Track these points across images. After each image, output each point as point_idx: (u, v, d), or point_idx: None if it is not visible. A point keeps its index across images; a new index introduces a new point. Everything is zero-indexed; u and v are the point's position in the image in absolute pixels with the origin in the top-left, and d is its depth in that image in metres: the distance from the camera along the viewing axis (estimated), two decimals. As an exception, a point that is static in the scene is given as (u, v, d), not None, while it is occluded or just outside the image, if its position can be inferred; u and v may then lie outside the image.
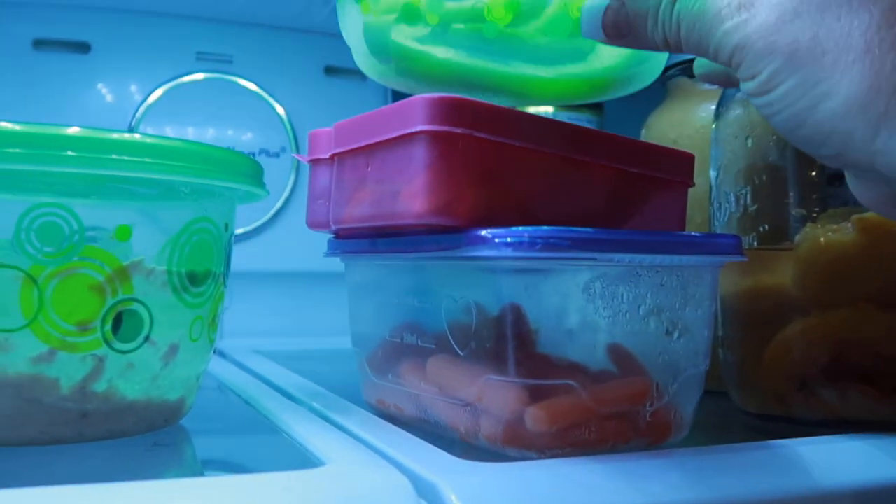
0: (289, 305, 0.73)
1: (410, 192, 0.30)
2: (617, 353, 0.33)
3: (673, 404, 0.33)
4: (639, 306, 0.32)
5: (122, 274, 0.31)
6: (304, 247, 0.71)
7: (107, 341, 0.31)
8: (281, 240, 0.71)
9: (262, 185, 0.37)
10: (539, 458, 0.30)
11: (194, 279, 0.33)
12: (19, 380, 0.30)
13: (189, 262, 0.33)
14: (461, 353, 0.32)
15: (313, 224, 0.38)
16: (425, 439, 0.32)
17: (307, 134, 0.39)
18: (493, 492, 0.27)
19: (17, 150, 0.28)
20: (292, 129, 0.72)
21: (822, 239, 0.36)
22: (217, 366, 0.55)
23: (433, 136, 0.30)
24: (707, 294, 0.34)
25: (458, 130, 0.30)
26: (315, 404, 0.39)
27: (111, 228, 0.31)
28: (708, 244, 0.33)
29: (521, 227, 0.29)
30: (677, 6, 0.28)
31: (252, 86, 0.72)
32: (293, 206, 0.71)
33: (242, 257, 0.70)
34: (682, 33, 0.29)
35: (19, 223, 0.29)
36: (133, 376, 0.32)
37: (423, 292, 0.35)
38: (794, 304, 0.38)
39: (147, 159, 0.30)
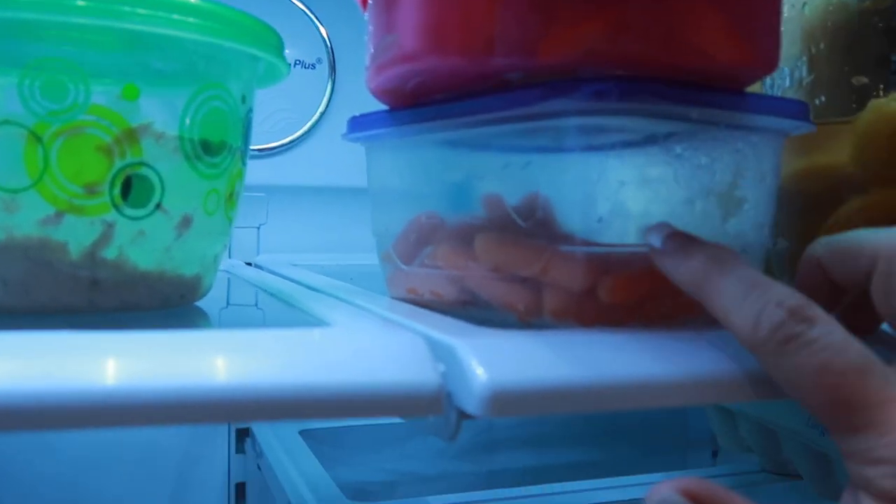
0: (327, 221, 0.72)
1: (402, 32, 0.28)
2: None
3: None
4: (714, 172, 0.29)
5: (131, 136, 0.30)
6: (343, 161, 0.70)
7: (116, 206, 0.30)
8: (318, 154, 0.70)
9: (281, 57, 0.35)
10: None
11: (208, 148, 0.32)
12: (27, 242, 0.29)
13: (202, 130, 0.32)
14: (524, 225, 0.30)
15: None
16: (470, 323, 0.29)
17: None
18: (513, 355, 0.25)
19: None
20: (330, 43, 0.70)
21: (883, 108, 0.33)
22: (250, 273, 0.54)
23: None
24: (773, 166, 0.31)
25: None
26: (343, 295, 0.38)
27: (118, 88, 0.29)
28: (779, 107, 0.30)
29: (592, 78, 0.26)
30: None
31: (288, -3, 0.70)
32: (330, 118, 0.70)
33: (279, 171, 0.69)
34: None
35: (22, 79, 0.28)
36: (144, 245, 0.31)
37: (470, 163, 0.33)
38: (852, 183, 0.35)
39: (158, 13, 0.29)
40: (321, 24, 0.71)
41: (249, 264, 0.65)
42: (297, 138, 0.69)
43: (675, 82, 0.27)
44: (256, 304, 0.41)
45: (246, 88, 0.34)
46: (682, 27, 0.26)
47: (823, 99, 0.35)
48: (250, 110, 0.35)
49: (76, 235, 0.29)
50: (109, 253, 0.30)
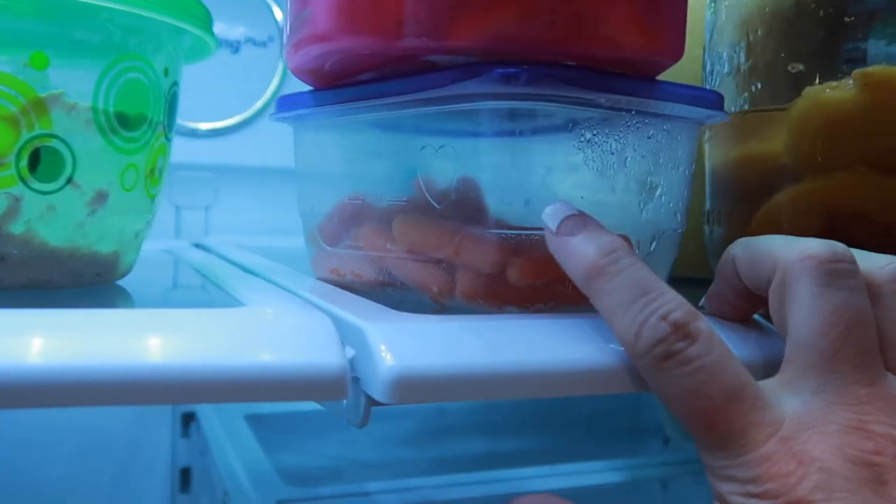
0: (280, 203, 0.71)
1: (315, 9, 0.27)
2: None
3: (652, 264, 0.30)
4: (625, 158, 0.29)
5: (39, 106, 0.28)
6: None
7: (23, 179, 0.29)
8: (270, 134, 0.69)
9: (208, 31, 0.34)
10: (520, 312, 0.28)
11: (125, 122, 0.31)
12: (-74, 215, 0.28)
13: (118, 103, 0.30)
14: (437, 207, 0.29)
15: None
16: (387, 304, 0.29)
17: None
18: (423, 340, 0.24)
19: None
20: (282, 21, 0.69)
21: (817, 97, 0.33)
22: (190, 254, 0.53)
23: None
24: (687, 154, 0.31)
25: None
26: (269, 275, 0.37)
27: (25, 55, 0.28)
28: (690, 96, 0.30)
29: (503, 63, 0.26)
30: None
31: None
32: (281, 98, 0.68)
33: (229, 151, 0.68)
34: None
35: (-78, 44, 0.27)
36: (55, 220, 0.30)
37: (391, 145, 0.32)
38: (786, 172, 0.34)
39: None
40: (272, 1, 0.69)
41: (197, 246, 0.64)
42: (249, 118, 0.68)
43: (585, 69, 0.27)
44: (201, 286, 0.40)
45: (169, 62, 0.33)
46: (589, 15, 0.26)
47: (760, 86, 0.35)
48: (175, 84, 0.34)
49: (-20, 209, 0.28)
50: (16, 228, 0.29)
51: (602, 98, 0.27)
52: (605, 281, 0.24)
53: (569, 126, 0.27)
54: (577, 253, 0.25)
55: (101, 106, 0.30)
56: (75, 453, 0.65)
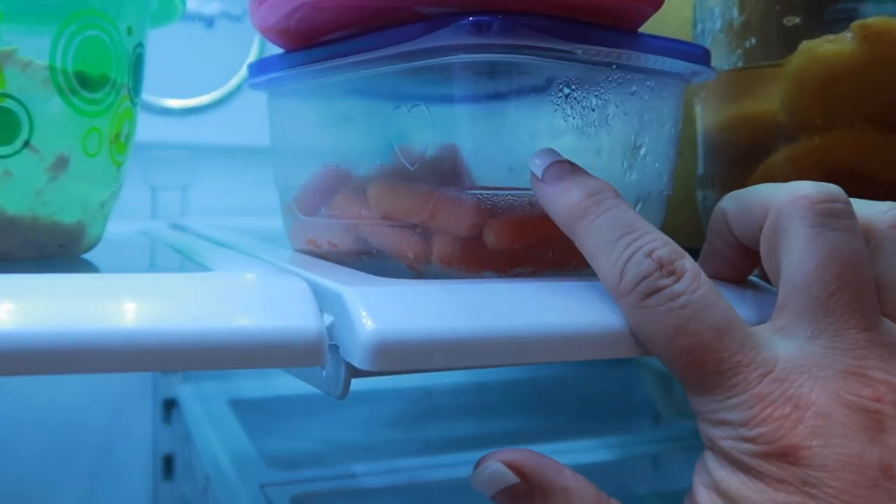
0: (258, 183, 0.69)
1: None
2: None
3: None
4: (607, 116, 0.27)
5: (-9, 64, 0.27)
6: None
7: (-25, 142, 0.27)
8: (248, 111, 0.67)
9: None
10: (499, 277, 0.27)
11: (86, 82, 0.29)
12: None
13: (78, 62, 0.29)
14: (412, 169, 0.28)
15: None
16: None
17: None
18: (404, 305, 0.23)
19: None
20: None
21: (815, 51, 0.31)
22: (166, 233, 0.51)
23: None
24: (673, 112, 0.30)
25: None
26: (245, 248, 0.35)
27: (-25, 10, 0.26)
28: (673, 49, 0.28)
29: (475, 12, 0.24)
30: None
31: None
32: (259, 74, 0.66)
33: (206, 129, 0.66)
34: None
35: None
36: (12, 187, 0.28)
37: (365, 109, 0.31)
38: (783, 131, 0.33)
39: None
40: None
41: (174, 227, 0.62)
42: (225, 94, 0.66)
43: (562, 19, 0.25)
44: (173, 258, 0.38)
45: (134, 20, 0.31)
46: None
47: (754, 41, 0.34)
48: (140, 45, 0.32)
49: (-71, 174, 0.27)
50: (-30, 195, 0.27)
51: (579, 49, 0.25)
52: (589, 221, 0.24)
53: (547, 83, 0.26)
54: (562, 196, 0.24)
55: (58, 64, 0.28)
56: (54, 442, 0.64)
